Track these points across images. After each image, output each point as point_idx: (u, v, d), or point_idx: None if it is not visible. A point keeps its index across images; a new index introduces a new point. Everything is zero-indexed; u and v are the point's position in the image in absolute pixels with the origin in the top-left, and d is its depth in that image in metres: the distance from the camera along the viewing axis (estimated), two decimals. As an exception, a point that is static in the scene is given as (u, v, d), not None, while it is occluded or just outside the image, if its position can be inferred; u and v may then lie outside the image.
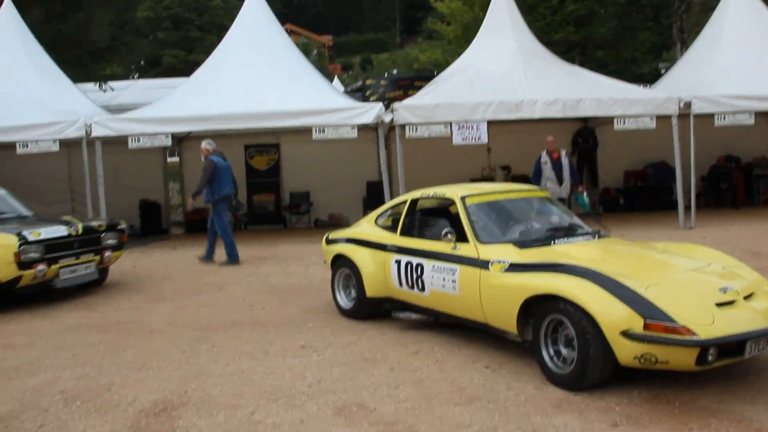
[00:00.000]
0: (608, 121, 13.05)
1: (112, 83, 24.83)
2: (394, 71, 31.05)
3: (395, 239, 6.47)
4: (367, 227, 7.10)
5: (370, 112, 12.22)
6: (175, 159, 17.97)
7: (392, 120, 12.25)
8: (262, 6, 14.54)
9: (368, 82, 20.16)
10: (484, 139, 12.32)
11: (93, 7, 22.68)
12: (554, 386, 4.62)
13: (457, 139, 12.14)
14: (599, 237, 5.92)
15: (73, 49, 22.12)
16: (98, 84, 23.31)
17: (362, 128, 12.78)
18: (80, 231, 8.25)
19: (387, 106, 12.75)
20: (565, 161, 11.67)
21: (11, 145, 12.74)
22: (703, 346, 4.08)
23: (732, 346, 4.22)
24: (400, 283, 6.25)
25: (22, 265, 7.53)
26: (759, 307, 4.51)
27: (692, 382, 4.56)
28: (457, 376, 4.95)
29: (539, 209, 6.34)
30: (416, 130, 12.22)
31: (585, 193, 11.67)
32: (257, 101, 12.35)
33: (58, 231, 8.03)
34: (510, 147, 15.46)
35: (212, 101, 12.52)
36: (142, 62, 47.22)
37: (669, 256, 5.43)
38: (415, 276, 6.04)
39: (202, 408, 4.54)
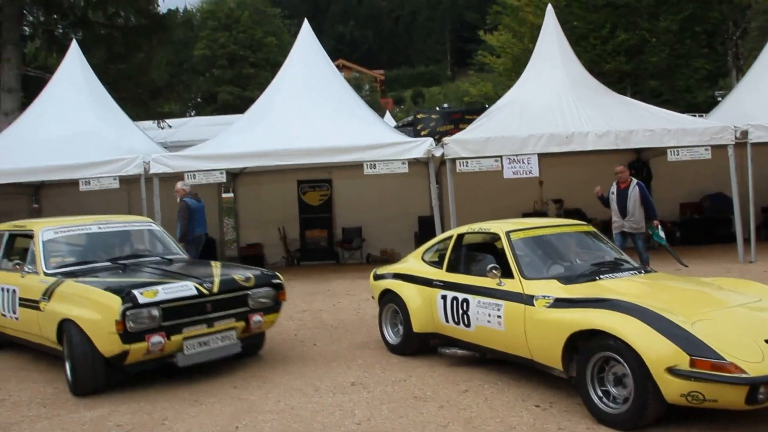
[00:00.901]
0: (662, 152, 12.84)
1: (169, 120, 25.65)
2: (445, 105, 31.15)
3: (441, 275, 6.52)
4: (413, 263, 7.17)
5: (421, 146, 12.30)
6: (230, 195, 18.32)
7: (443, 154, 12.29)
8: (313, 43, 14.84)
9: (419, 116, 20.25)
10: (535, 172, 12.25)
11: (152, 47, 23.46)
12: (606, 426, 4.54)
13: (507, 173, 12.10)
14: (645, 272, 5.89)
15: (133, 88, 22.94)
16: (156, 122, 24.08)
17: (414, 163, 12.88)
18: (216, 289, 6.12)
19: (438, 140, 12.80)
20: (633, 192, 10.30)
21: (75, 182, 13.25)
22: (753, 384, 3.98)
23: None
24: (446, 319, 6.27)
25: (129, 336, 5.58)
26: None
27: (746, 420, 4.42)
28: (506, 415, 4.91)
29: (585, 244, 6.36)
30: (467, 164, 12.22)
31: (660, 227, 10.24)
32: (309, 137, 12.55)
33: (184, 289, 5.95)
34: (562, 180, 15.31)
35: (265, 137, 12.77)
36: (199, 99, 48.58)
37: (718, 292, 5.33)
38: (460, 311, 6.07)
39: (253, 445, 4.59)
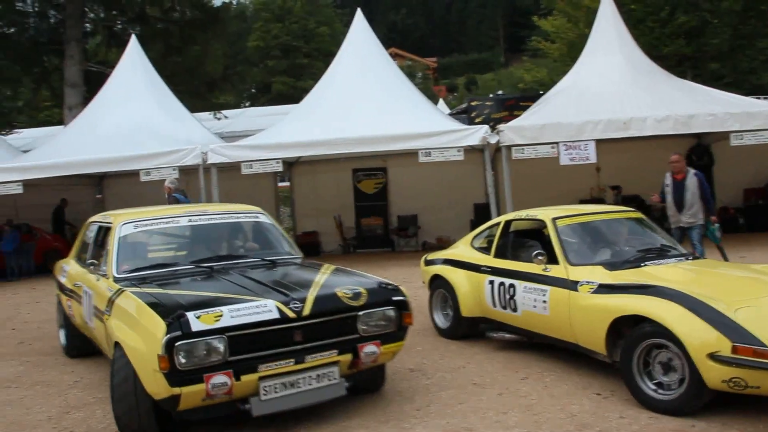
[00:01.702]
0: (724, 136, 12.50)
1: (225, 111, 26.04)
2: (499, 92, 30.85)
3: (489, 260, 6.64)
4: (463, 248, 7.28)
5: (476, 134, 12.25)
6: (286, 184, 18.54)
7: (498, 141, 12.21)
8: (366, 32, 14.90)
9: (473, 103, 20.14)
10: (593, 158, 12.06)
11: (207, 39, 23.84)
12: (658, 413, 4.49)
13: (564, 160, 11.95)
14: (693, 258, 5.90)
15: (189, 81, 23.37)
16: (213, 113, 24.48)
17: (469, 150, 12.84)
18: (308, 311, 4.49)
19: (493, 128, 12.71)
20: (690, 183, 9.23)
21: (135, 173, 13.63)
22: None
23: None
24: (494, 304, 6.40)
25: (178, 375, 4.09)
26: None
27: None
28: (567, 403, 4.89)
29: (633, 230, 6.34)
30: (523, 151, 12.12)
31: (718, 225, 9.26)
32: (364, 125, 12.62)
33: (260, 311, 4.37)
34: (620, 166, 15.05)
35: (321, 127, 12.90)
36: (253, 90, 49.18)
37: (757, 280, 5.23)
38: (507, 296, 6.19)
39: None
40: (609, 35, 13.76)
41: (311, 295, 4.60)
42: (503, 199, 12.62)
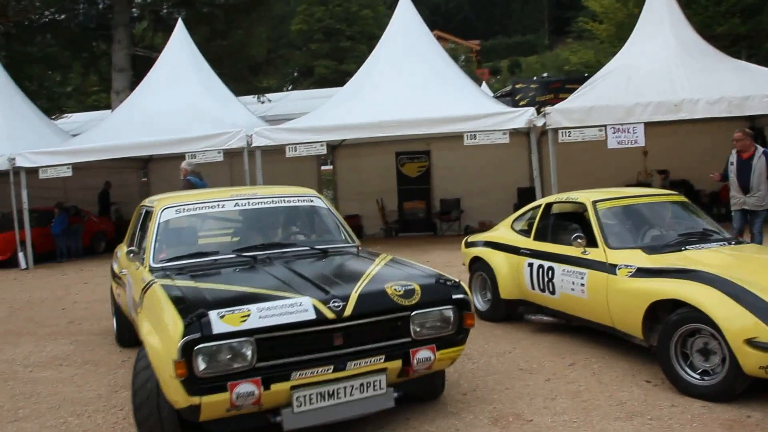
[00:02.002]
0: (779, 119, 12.12)
1: (268, 95, 26.17)
2: (545, 74, 30.45)
3: (529, 243, 6.62)
4: (503, 231, 7.27)
5: (522, 116, 12.07)
6: (329, 167, 18.58)
7: (544, 124, 12.01)
8: (412, 14, 14.78)
9: (518, 86, 19.93)
10: (641, 142, 11.78)
11: (251, 23, 23.97)
12: (722, 406, 4.36)
13: (612, 143, 11.70)
14: (737, 243, 5.80)
15: (234, 64, 23.57)
16: (257, 96, 24.63)
17: (513, 133, 12.67)
18: (350, 311, 3.91)
19: (538, 111, 12.52)
20: (758, 162, 8.30)
21: (181, 156, 13.76)
22: None
23: None
24: (533, 286, 6.40)
25: (198, 383, 3.60)
26: None
27: None
28: (615, 390, 4.79)
29: (674, 214, 6.26)
30: (569, 134, 11.91)
31: None
32: (409, 108, 12.55)
33: (294, 310, 3.81)
34: (668, 150, 14.71)
35: (365, 109, 12.87)
36: (296, 73, 49.36)
37: None
38: (546, 279, 6.18)
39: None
40: (660, 14, 13.39)
41: (355, 292, 4.01)
42: (548, 183, 12.43)
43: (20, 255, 14.24)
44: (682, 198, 6.49)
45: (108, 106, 24.39)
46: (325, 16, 46.84)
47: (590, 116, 11.85)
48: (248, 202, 5.49)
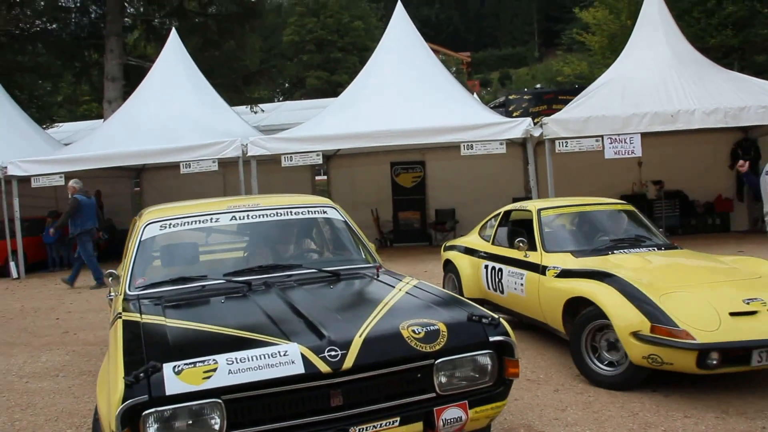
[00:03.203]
0: (773, 130, 12.18)
1: (261, 105, 26.13)
2: (538, 85, 30.55)
3: (487, 247, 7.25)
4: (473, 237, 7.86)
5: (519, 126, 12.07)
6: (323, 177, 18.52)
7: (541, 134, 12.01)
8: (407, 24, 14.80)
9: (511, 97, 19.97)
10: (638, 152, 11.83)
11: (244, 33, 23.93)
12: (736, 416, 4.31)
13: (609, 153, 11.72)
14: (666, 248, 6.18)
15: (227, 74, 23.50)
16: (250, 106, 24.58)
17: (507, 144, 12.66)
18: (350, 362, 2.98)
19: (534, 121, 12.53)
20: None
21: (174, 166, 13.68)
22: (701, 350, 4.38)
23: (738, 353, 4.46)
24: (488, 286, 7.00)
25: None
26: None
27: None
28: (627, 401, 4.72)
29: (616, 221, 6.74)
30: (566, 145, 11.92)
31: None
32: (405, 118, 12.53)
33: (276, 362, 2.92)
34: (663, 160, 14.75)
35: (361, 119, 12.83)
36: (287, 84, 49.34)
37: (720, 268, 5.59)
38: (497, 280, 6.79)
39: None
40: (654, 26, 13.50)
41: (359, 336, 3.08)
42: (543, 193, 12.42)
43: (12, 264, 14.07)
44: (630, 207, 6.93)
45: (99, 115, 24.25)
46: (317, 27, 46.82)
47: (587, 127, 11.88)
48: (248, 215, 4.63)
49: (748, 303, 4.69)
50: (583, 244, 6.19)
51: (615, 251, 5.93)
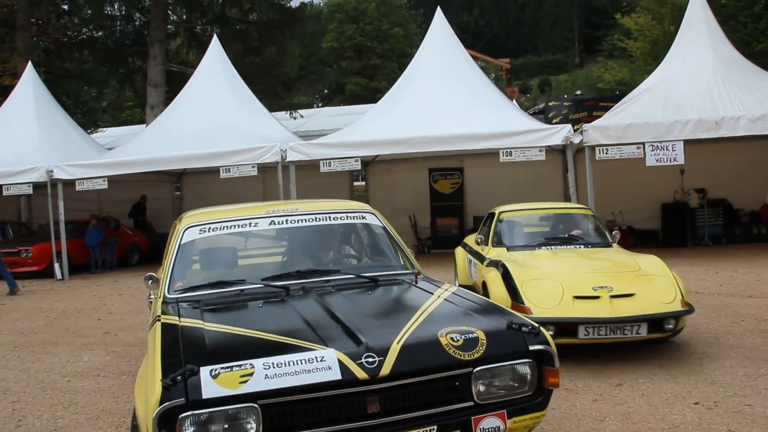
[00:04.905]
0: (823, 138, 11.84)
1: (300, 111, 26.36)
2: (578, 92, 30.24)
3: (471, 242, 8.60)
4: (474, 235, 9.01)
5: (559, 133, 11.95)
6: (361, 183, 18.56)
7: (581, 141, 11.87)
8: (447, 30, 14.76)
9: (551, 103, 19.78)
10: (680, 159, 11.61)
11: (284, 40, 24.18)
12: (783, 430, 4.20)
13: (650, 161, 11.53)
14: (597, 247, 7.30)
15: (267, 80, 23.76)
16: (289, 112, 24.80)
17: (546, 151, 12.54)
18: (387, 369, 2.94)
19: (574, 128, 12.40)
20: None
21: (214, 170, 13.85)
22: (538, 323, 4.73)
23: (568, 327, 5.66)
24: (470, 274, 8.42)
25: None
26: (621, 305, 5.69)
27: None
28: (667, 413, 4.63)
29: (567, 222, 7.89)
30: (606, 152, 11.77)
31: None
32: (444, 124, 12.50)
33: (313, 368, 2.91)
34: (707, 168, 14.48)
35: (399, 125, 12.82)
36: (326, 90, 49.66)
37: (595, 263, 6.70)
38: (471, 270, 8.22)
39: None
40: (699, 31, 13.24)
41: (397, 343, 3.05)
42: (584, 200, 12.27)
43: (56, 266, 14.38)
44: (588, 211, 8.25)
45: (142, 120, 24.69)
46: (356, 33, 47.09)
47: (628, 133, 11.71)
48: (286, 220, 4.60)
49: (595, 290, 5.83)
50: (522, 240, 7.59)
51: (542, 247, 7.29)
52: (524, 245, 7.34)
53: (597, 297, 5.74)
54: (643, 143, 11.55)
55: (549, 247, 7.23)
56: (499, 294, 6.06)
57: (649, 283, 5.99)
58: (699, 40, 13.13)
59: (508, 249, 7.30)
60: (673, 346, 6.31)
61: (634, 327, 5.64)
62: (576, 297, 5.76)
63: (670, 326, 5.73)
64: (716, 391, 4.97)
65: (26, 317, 9.87)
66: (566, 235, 7.50)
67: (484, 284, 6.74)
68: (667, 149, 11.53)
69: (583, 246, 7.26)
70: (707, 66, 12.63)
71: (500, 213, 8.06)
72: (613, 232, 7.61)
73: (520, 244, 7.42)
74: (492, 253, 7.32)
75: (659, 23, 22.32)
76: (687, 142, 11.68)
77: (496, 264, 6.63)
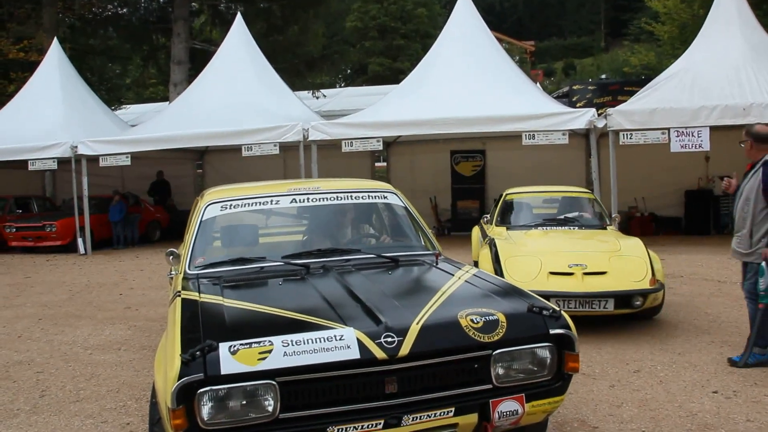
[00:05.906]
0: None
1: (322, 91, 26.31)
2: (603, 76, 29.88)
3: (484, 223, 8.93)
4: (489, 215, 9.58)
5: (582, 117, 11.83)
6: (382, 164, 18.53)
7: (605, 126, 11.75)
8: (471, 11, 14.60)
9: (575, 87, 19.61)
10: (706, 146, 11.44)
11: (307, 19, 24.10)
12: (803, 421, 4.17)
13: (675, 147, 11.38)
14: (592, 228, 7.85)
15: (290, 59, 23.71)
16: (312, 91, 24.76)
17: (570, 135, 12.42)
18: (407, 349, 2.90)
19: (598, 112, 12.26)
20: (750, 181, 5.63)
21: (236, 149, 13.90)
22: None
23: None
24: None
25: None
26: (592, 281, 6.16)
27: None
28: (685, 401, 4.61)
29: (573, 205, 8.44)
30: (630, 137, 11.63)
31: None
32: (467, 106, 12.41)
33: (332, 347, 2.87)
34: (733, 155, 14.11)
35: (422, 106, 12.76)
36: (349, 71, 49.51)
37: (578, 243, 7.15)
38: (480, 246, 8.46)
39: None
40: (729, 15, 12.94)
41: (417, 323, 3.01)
42: (605, 185, 12.17)
43: (79, 241, 14.55)
44: (591, 195, 8.87)
45: (165, 98, 24.79)
46: (380, 13, 46.73)
47: (653, 119, 11.56)
48: (308, 198, 4.55)
49: (570, 267, 6.30)
50: (522, 220, 8.21)
51: (538, 227, 7.89)
52: (522, 225, 8.01)
53: (571, 273, 6.25)
54: (668, 129, 11.40)
55: (544, 228, 7.88)
56: (486, 269, 6.36)
57: (622, 263, 6.45)
58: (729, 25, 12.84)
59: (508, 228, 7.92)
60: (694, 335, 6.29)
61: (602, 302, 6.08)
62: (552, 273, 6.30)
63: (638, 303, 6.12)
64: (736, 380, 4.94)
65: (50, 290, 10.02)
66: (563, 217, 8.10)
67: (477, 261, 7.52)
68: (692, 135, 11.37)
69: (577, 227, 7.84)
70: (736, 51, 12.36)
71: (506, 195, 8.80)
72: (613, 216, 8.37)
73: (519, 224, 8.10)
74: (494, 231, 7.93)
75: (688, 6, 21.93)
76: (713, 129, 11.50)
77: (491, 241, 7.16)
